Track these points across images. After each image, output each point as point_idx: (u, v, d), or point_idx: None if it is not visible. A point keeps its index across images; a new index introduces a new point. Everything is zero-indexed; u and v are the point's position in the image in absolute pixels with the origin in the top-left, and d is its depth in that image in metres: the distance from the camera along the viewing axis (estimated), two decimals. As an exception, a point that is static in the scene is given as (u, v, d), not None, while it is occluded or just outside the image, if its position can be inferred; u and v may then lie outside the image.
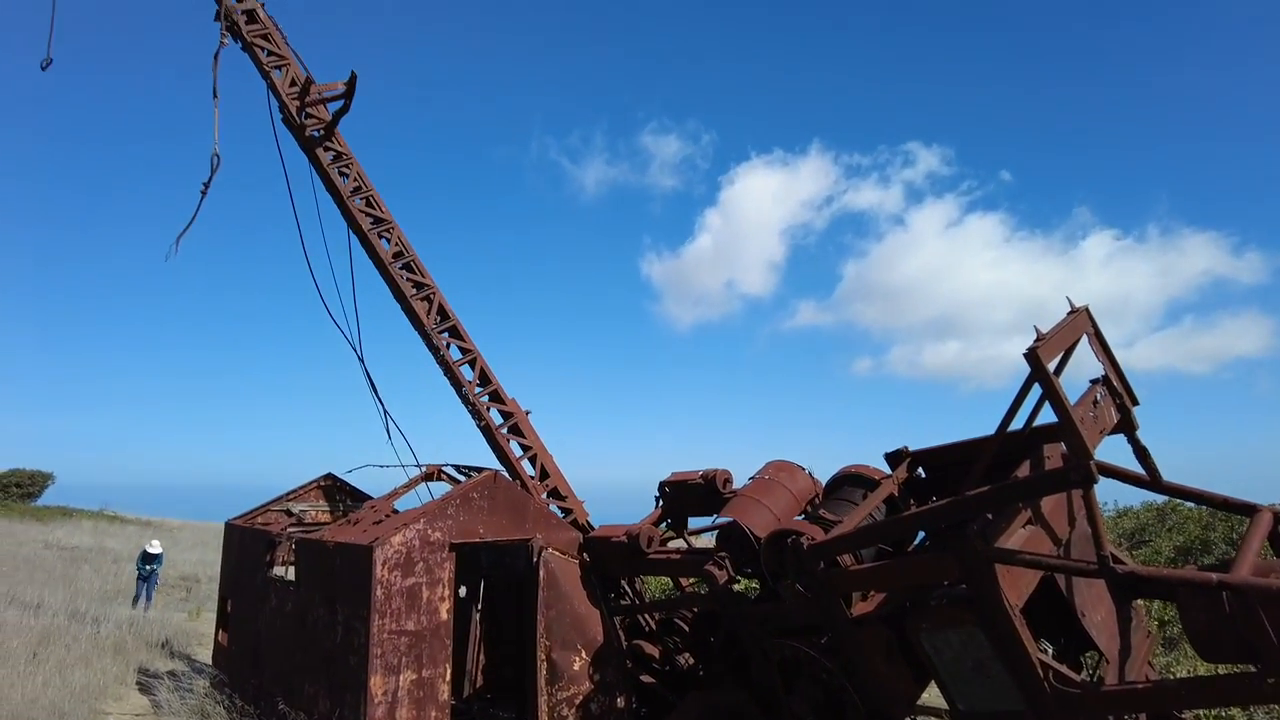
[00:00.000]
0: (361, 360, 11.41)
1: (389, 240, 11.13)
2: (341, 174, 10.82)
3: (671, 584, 11.43)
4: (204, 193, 10.47)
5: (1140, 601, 7.78)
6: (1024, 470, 6.62)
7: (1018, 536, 6.23)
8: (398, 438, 11.27)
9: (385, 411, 11.21)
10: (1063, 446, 6.49)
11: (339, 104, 10.51)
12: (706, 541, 10.25)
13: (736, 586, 8.01)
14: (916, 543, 8.00)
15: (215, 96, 10.43)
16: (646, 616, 9.72)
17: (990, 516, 6.12)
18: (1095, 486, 5.59)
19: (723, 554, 7.77)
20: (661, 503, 9.26)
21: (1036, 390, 6.00)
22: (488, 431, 11.22)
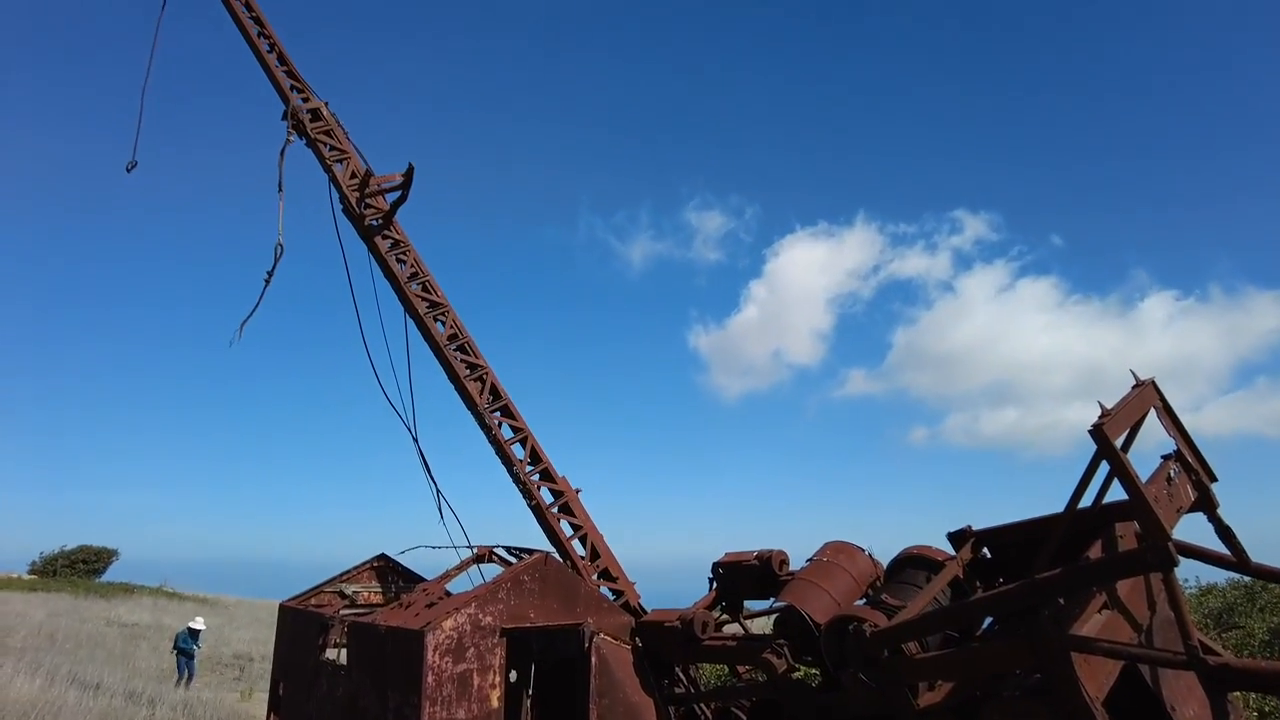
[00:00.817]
0: (415, 440, 11.59)
1: (444, 323, 11.40)
2: (399, 260, 11.21)
3: (728, 672, 11.05)
4: (268, 281, 10.94)
5: (1237, 692, 7.26)
6: (1096, 551, 6.32)
7: (1094, 622, 5.91)
8: (449, 517, 11.32)
9: (438, 491, 11.30)
10: (1137, 525, 6.19)
11: (397, 194, 10.97)
12: (763, 626, 9.93)
13: (796, 675, 7.71)
14: (985, 628, 7.63)
15: (280, 190, 11.00)
16: (702, 706, 9.38)
17: (1063, 601, 5.83)
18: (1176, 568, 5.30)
19: (781, 641, 7.51)
20: (715, 585, 9.04)
21: (1105, 466, 5.78)
22: (538, 511, 11.19)
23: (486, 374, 11.50)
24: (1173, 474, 6.39)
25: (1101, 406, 5.82)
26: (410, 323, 11.40)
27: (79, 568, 51.86)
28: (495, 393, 11.51)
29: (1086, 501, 6.43)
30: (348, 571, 12.63)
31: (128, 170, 12.65)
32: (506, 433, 11.47)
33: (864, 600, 8.18)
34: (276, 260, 10.73)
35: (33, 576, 47.44)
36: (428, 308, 11.35)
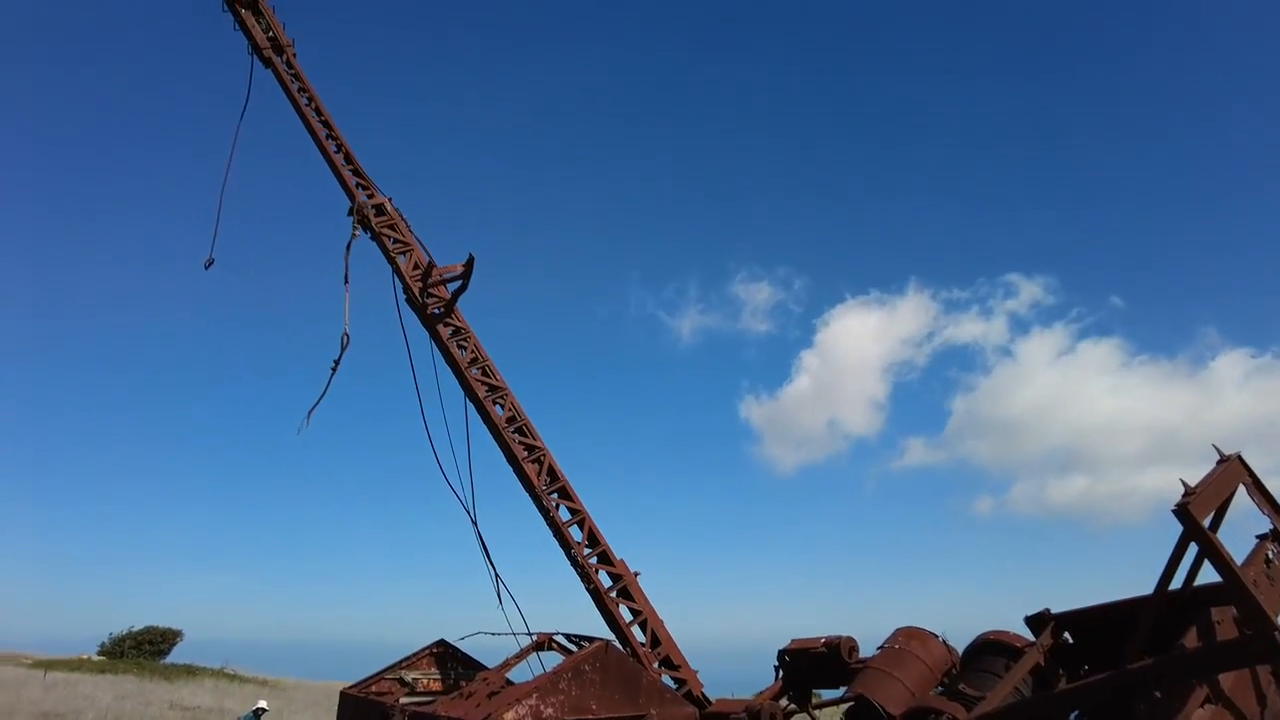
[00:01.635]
0: (474, 523, 11.64)
1: (503, 406, 11.57)
2: (460, 347, 11.50)
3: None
4: (334, 370, 11.29)
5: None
6: (1192, 639, 5.94)
7: (1196, 719, 5.51)
8: (509, 602, 11.23)
9: (497, 576, 11.26)
10: (1234, 610, 5.84)
11: (457, 284, 11.33)
12: (833, 717, 9.51)
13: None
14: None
15: (346, 282, 11.47)
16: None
17: (1159, 694, 5.47)
18: None
19: (854, 734, 7.18)
20: (781, 673, 8.74)
21: (1195, 546, 5.50)
22: (597, 595, 11.05)
23: (544, 456, 11.57)
24: (1271, 555, 6.05)
25: (1185, 485, 5.58)
26: (470, 407, 11.59)
27: (145, 649, 52.56)
28: (553, 474, 11.54)
29: (1176, 583, 6.10)
30: (407, 658, 12.54)
31: (205, 267, 13.34)
32: (564, 514, 11.46)
33: (940, 690, 7.80)
34: (343, 350, 11.11)
35: (102, 658, 48.25)
36: (487, 391, 11.55)
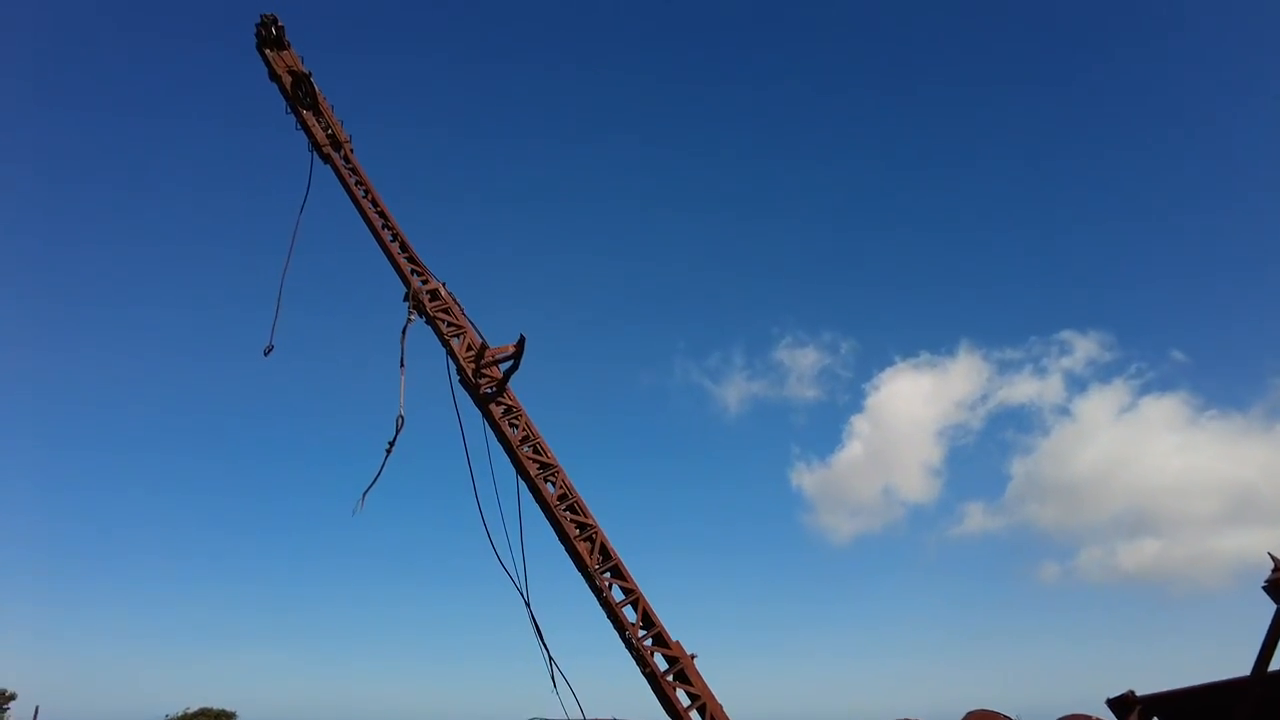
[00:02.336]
0: (528, 604, 11.54)
1: (554, 484, 11.60)
2: (512, 425, 11.63)
3: None
4: (389, 451, 11.47)
5: None
6: None
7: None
8: (563, 685, 11.02)
9: (550, 659, 11.09)
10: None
11: (509, 364, 11.54)
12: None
13: None
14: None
15: (402, 366, 11.77)
16: None
17: None
18: None
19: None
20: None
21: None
22: (653, 679, 10.77)
23: (596, 534, 11.49)
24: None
25: (1274, 558, 5.32)
26: (522, 485, 11.64)
27: (198, 732, 52.31)
28: (605, 553, 11.43)
29: (1276, 663, 5.73)
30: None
31: (265, 354, 13.81)
32: (618, 595, 11.29)
33: (1021, 781, 7.36)
34: (398, 432, 11.31)
35: (157, 743, 48.10)
36: (539, 469, 11.59)
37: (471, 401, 11.76)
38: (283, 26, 14.07)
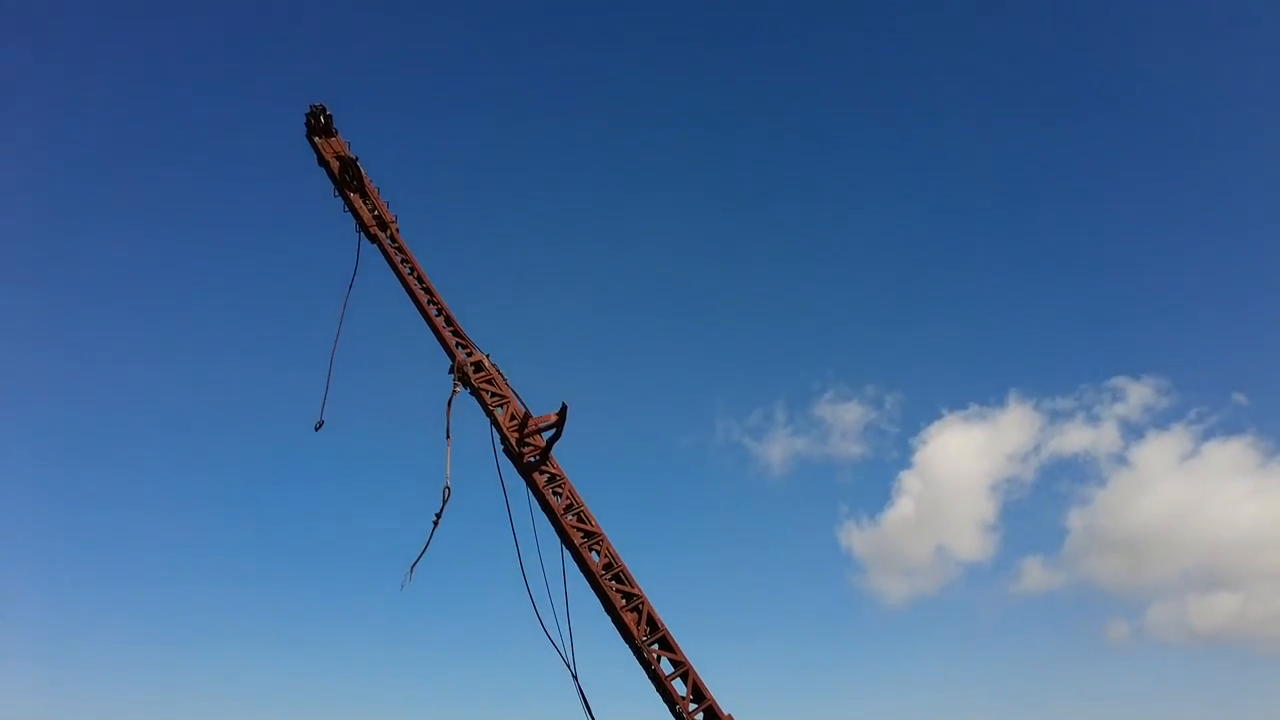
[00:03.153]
0: (575, 676, 11.39)
1: (599, 552, 11.54)
2: (555, 493, 11.68)
3: None
4: (436, 523, 11.53)
5: None
6: None
7: None
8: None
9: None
10: None
11: (552, 432, 11.67)
12: None
13: None
14: None
15: (448, 437, 11.95)
16: None
17: None
18: None
19: None
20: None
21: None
22: (706, 754, 10.46)
23: (642, 604, 11.35)
24: None
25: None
26: (566, 554, 11.60)
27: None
28: (652, 624, 11.26)
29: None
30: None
31: (315, 429, 14.08)
32: (666, 667, 11.08)
33: None
34: (445, 503, 11.40)
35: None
36: (583, 538, 11.56)
37: (515, 470, 11.85)
38: (330, 115, 14.79)
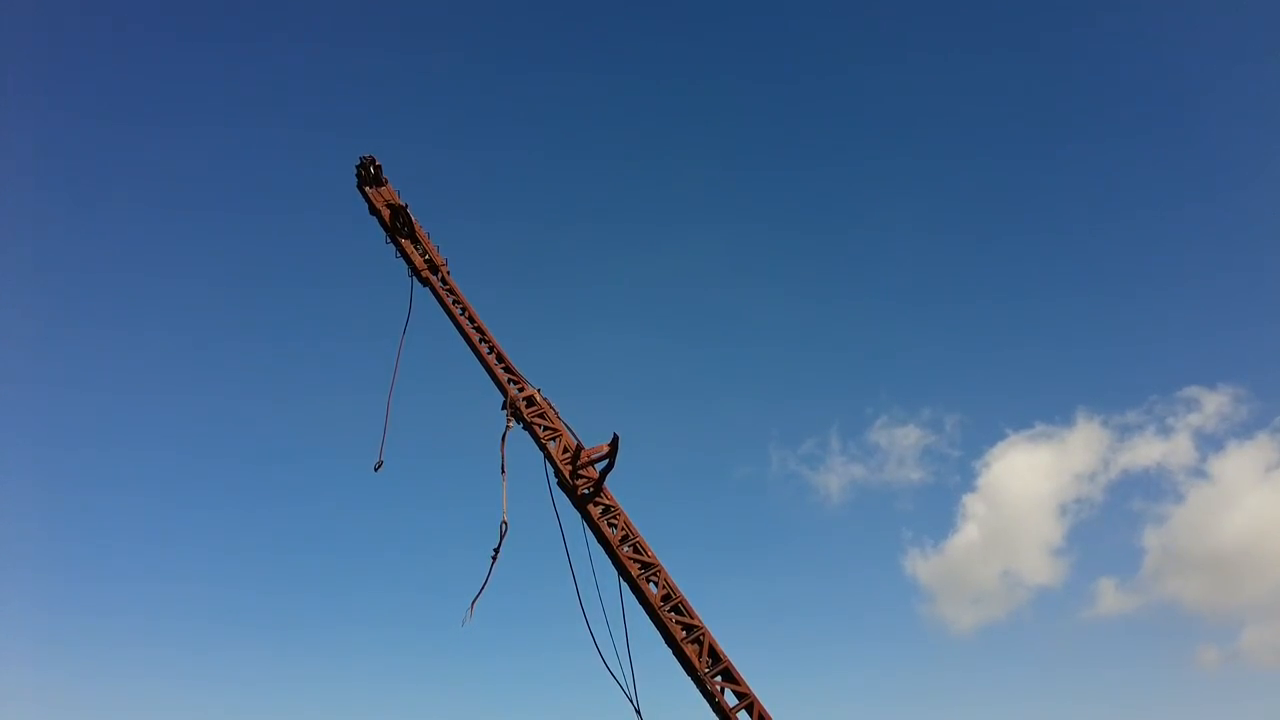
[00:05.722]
0: (638, 711, 11.23)
1: (656, 584, 11.43)
2: (610, 525, 11.66)
3: None
4: (494, 559, 11.61)
5: None
6: None
7: None
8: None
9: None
10: None
11: (605, 463, 11.70)
12: None
13: None
14: None
15: (503, 472, 12.10)
16: None
17: None
18: None
19: None
20: None
21: None
22: (776, 789, 10.16)
23: (704, 635, 11.17)
24: None
25: None
26: (624, 587, 11.53)
27: None
28: (714, 655, 11.07)
29: None
30: None
31: (375, 469, 14.38)
32: (731, 699, 10.85)
33: None
34: (502, 538, 11.49)
35: None
36: (640, 569, 11.48)
37: (570, 503, 11.89)
38: (380, 165, 15.33)
